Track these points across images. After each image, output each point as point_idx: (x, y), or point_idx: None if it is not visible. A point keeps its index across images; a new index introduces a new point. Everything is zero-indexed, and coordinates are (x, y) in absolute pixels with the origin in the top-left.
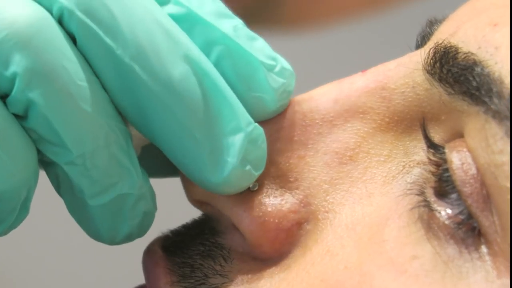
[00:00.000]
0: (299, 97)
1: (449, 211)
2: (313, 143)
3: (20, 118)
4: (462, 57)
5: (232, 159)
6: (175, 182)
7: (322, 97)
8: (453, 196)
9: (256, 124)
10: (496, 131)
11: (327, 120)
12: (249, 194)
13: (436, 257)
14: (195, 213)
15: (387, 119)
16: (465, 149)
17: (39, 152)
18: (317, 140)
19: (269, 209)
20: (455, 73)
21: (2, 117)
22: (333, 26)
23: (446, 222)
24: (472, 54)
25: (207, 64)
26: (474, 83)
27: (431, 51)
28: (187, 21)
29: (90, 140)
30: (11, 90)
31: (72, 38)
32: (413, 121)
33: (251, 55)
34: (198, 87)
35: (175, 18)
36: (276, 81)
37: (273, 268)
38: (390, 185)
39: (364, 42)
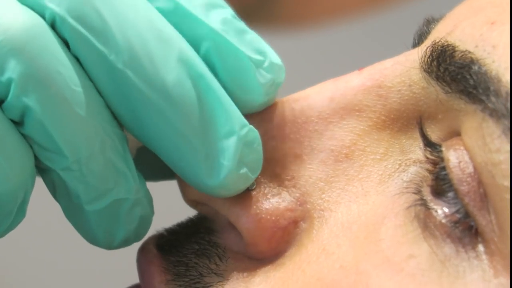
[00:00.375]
0: (295, 95)
1: (446, 209)
2: (309, 141)
3: (17, 124)
4: (459, 55)
5: (228, 162)
6: (170, 182)
7: (318, 95)
8: (450, 194)
9: (251, 126)
10: (493, 130)
11: (323, 118)
12: (246, 193)
13: (432, 256)
14: (190, 213)
15: (383, 117)
16: (462, 148)
17: (35, 157)
18: (313, 138)
19: (266, 207)
20: (452, 71)
21: None
22: (330, 25)
23: (443, 221)
24: (470, 52)
25: (202, 66)
26: (471, 82)
27: (428, 49)
28: (176, 16)
29: (86, 145)
30: (6, 96)
31: (66, 43)
32: (409, 119)
33: (239, 50)
34: (193, 90)
35: (164, 12)
36: (264, 76)
37: (269, 267)
38: (386, 183)
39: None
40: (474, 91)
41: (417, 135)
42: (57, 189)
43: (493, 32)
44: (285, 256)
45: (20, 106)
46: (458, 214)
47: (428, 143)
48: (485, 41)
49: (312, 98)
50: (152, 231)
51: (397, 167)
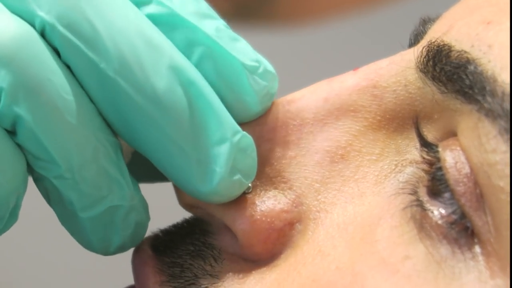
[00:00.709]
0: (289, 97)
1: (442, 210)
2: (304, 142)
3: (10, 133)
4: (455, 55)
5: (220, 168)
6: (166, 184)
7: (312, 96)
8: (446, 195)
9: (245, 132)
10: (489, 130)
11: (318, 119)
12: (241, 196)
13: (428, 257)
14: (186, 215)
15: (379, 118)
16: (458, 148)
17: (28, 165)
18: (308, 139)
19: (261, 209)
20: (448, 71)
21: None
22: (325, 23)
23: (439, 221)
24: (465, 52)
25: (193, 73)
26: (467, 82)
27: (424, 49)
28: (169, 22)
29: (78, 153)
30: None
31: (56, 52)
32: (405, 119)
33: (233, 56)
34: (184, 97)
35: (157, 18)
36: (258, 83)
37: (264, 268)
38: (382, 184)
39: (356, 40)
40: (470, 91)
41: (413, 135)
42: (51, 196)
43: (489, 31)
44: (281, 257)
45: (11, 116)
46: (454, 215)
47: (424, 144)
48: (481, 41)
49: (307, 99)
50: (147, 232)
51: (393, 167)
